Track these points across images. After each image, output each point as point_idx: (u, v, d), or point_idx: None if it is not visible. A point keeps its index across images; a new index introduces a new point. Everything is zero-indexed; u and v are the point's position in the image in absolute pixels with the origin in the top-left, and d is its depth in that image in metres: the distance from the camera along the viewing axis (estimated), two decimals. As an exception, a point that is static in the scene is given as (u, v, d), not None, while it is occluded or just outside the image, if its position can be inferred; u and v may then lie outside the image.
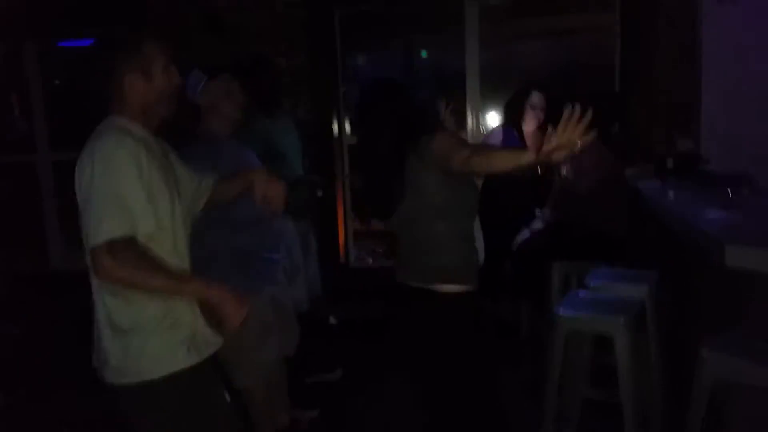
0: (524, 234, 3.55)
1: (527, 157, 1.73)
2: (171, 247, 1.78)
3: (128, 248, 1.62)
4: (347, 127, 5.07)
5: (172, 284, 1.72)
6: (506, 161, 1.82)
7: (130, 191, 1.65)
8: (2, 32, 5.20)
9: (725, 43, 4.05)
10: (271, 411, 2.83)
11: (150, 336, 1.74)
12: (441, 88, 3.60)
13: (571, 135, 1.62)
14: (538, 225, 3.54)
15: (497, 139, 3.88)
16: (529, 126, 3.87)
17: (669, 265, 3.01)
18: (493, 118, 5.16)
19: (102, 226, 1.60)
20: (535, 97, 3.85)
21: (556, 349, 2.49)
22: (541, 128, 3.86)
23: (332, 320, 4.24)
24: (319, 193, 3.59)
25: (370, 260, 5.42)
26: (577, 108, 1.61)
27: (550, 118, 3.83)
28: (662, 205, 3.06)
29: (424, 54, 6.98)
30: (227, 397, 1.95)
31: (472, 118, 4.92)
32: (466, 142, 2.16)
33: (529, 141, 3.87)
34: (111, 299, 1.72)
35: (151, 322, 1.74)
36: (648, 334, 2.68)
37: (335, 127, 4.98)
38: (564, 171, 3.33)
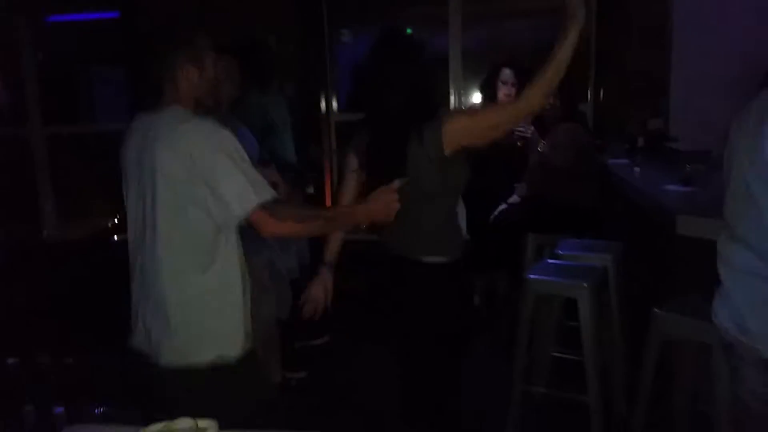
0: (501, 207, 3.76)
1: (573, 33, 1.85)
2: None
3: (280, 206, 1.81)
4: (334, 104, 5.23)
5: (329, 224, 1.95)
6: (563, 59, 1.87)
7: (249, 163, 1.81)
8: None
9: (695, 24, 4.22)
10: (264, 367, 3.05)
11: (212, 319, 1.84)
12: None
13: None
14: (514, 199, 3.76)
15: None
16: (501, 101, 4.03)
17: (634, 236, 3.25)
18: (476, 98, 5.31)
19: (251, 194, 1.75)
20: (506, 73, 3.98)
21: (526, 310, 2.72)
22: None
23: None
24: (310, 190, 3.78)
25: (356, 233, 5.61)
26: None
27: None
28: (628, 180, 3.29)
29: (409, 31, 7.09)
30: None
31: (455, 98, 5.10)
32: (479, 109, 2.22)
33: None
34: (175, 283, 1.82)
35: (211, 304, 1.84)
36: (610, 299, 2.92)
37: (323, 105, 5.15)
38: (540, 146, 3.53)
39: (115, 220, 6.03)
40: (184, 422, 1.45)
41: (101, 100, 6.06)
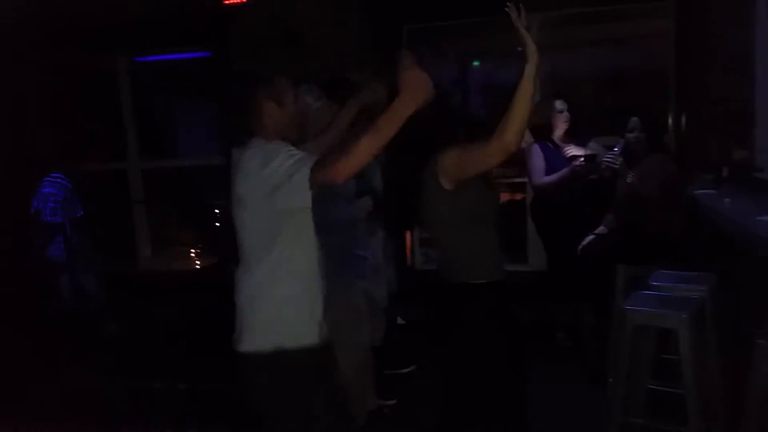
0: (589, 238, 3.80)
1: (529, 67, 1.97)
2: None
3: (322, 159, 1.99)
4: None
5: (379, 134, 1.93)
6: (525, 96, 1.97)
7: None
8: (96, 46, 5.67)
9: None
10: (361, 393, 3.16)
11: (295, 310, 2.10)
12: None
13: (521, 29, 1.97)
14: (602, 230, 3.80)
15: (539, 156, 4.08)
16: (560, 130, 4.09)
17: (725, 266, 3.23)
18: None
19: (306, 167, 1.97)
20: (558, 103, 4.07)
21: (625, 341, 2.75)
22: (569, 134, 4.11)
23: (400, 320, 4.53)
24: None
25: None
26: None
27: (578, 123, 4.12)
28: (718, 210, 3.29)
29: (476, 63, 7.21)
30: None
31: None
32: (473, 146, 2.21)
33: (563, 145, 4.08)
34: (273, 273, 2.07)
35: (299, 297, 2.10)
36: (708, 330, 2.92)
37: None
38: (628, 177, 3.57)
39: (197, 249, 6.33)
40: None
41: (192, 135, 6.40)
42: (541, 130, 4.14)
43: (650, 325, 2.85)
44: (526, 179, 5.26)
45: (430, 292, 2.39)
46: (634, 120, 3.69)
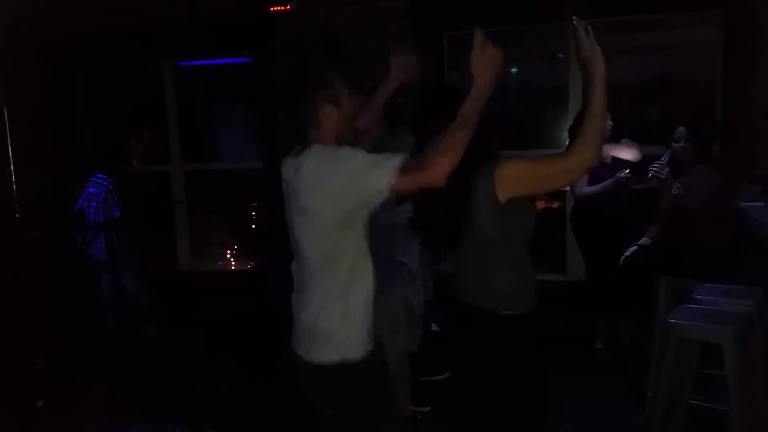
0: (632, 249, 3.75)
1: (598, 78, 1.82)
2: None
3: (414, 161, 1.87)
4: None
5: (465, 126, 1.81)
6: (597, 109, 1.83)
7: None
8: (144, 52, 5.81)
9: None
10: (399, 399, 3.16)
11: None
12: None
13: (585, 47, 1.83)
14: (645, 241, 3.73)
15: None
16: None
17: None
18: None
19: (387, 170, 1.87)
20: None
21: (668, 355, 2.70)
22: (612, 140, 4.00)
23: (434, 327, 4.51)
24: None
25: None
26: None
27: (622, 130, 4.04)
28: (765, 223, 3.21)
29: (514, 70, 7.19)
30: None
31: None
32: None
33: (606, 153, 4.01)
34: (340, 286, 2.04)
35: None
36: (754, 345, 2.84)
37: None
38: (674, 188, 3.50)
39: (233, 251, 6.41)
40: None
41: (232, 139, 6.51)
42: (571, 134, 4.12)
43: (694, 339, 2.79)
44: (565, 188, 5.23)
45: (462, 319, 2.16)
46: (681, 130, 3.63)
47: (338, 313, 2.03)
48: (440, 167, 1.81)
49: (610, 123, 3.99)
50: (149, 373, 4.31)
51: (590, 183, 3.98)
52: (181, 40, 5.67)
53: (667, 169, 3.60)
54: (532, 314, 2.10)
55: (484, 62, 1.83)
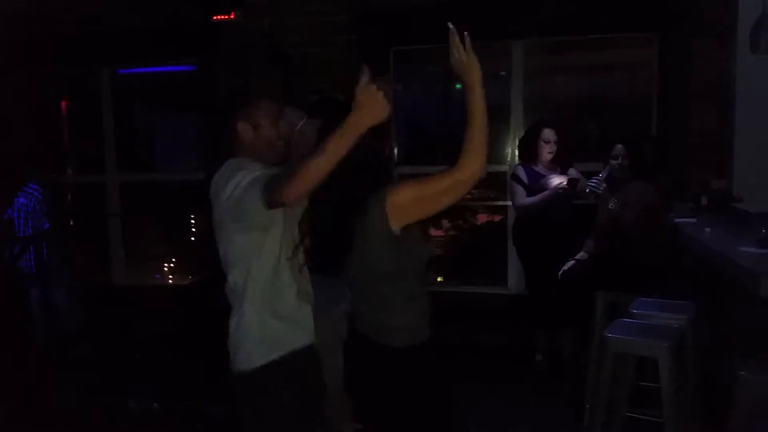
0: (570, 263, 3.82)
1: (477, 86, 1.80)
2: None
3: (277, 178, 1.85)
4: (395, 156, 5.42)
5: (327, 154, 1.74)
6: (478, 118, 1.81)
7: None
8: (80, 58, 5.61)
9: (758, 89, 4.29)
10: (338, 415, 3.11)
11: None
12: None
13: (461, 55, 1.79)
14: (582, 255, 3.81)
15: (523, 179, 4.18)
16: (545, 159, 4.19)
17: (705, 294, 3.26)
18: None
19: (258, 186, 1.88)
20: (547, 133, 4.15)
21: (605, 369, 2.75)
22: (555, 160, 4.21)
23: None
24: None
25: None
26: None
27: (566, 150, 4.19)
28: (699, 240, 3.31)
29: (458, 86, 7.30)
30: None
31: (516, 150, 5.22)
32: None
33: (547, 172, 4.18)
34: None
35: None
36: (687, 359, 2.93)
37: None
38: (611, 204, 3.59)
39: (171, 264, 6.25)
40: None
41: (173, 149, 6.35)
42: (527, 154, 4.24)
43: (630, 353, 2.85)
44: (507, 202, 5.31)
45: (358, 351, 2.07)
46: (619, 147, 3.74)
47: (237, 323, 2.11)
48: (291, 190, 1.79)
49: (554, 144, 4.12)
50: (80, 392, 4.13)
51: (529, 195, 4.07)
52: (121, 46, 5.51)
53: (604, 185, 3.69)
54: (427, 344, 2.03)
55: (366, 100, 1.74)
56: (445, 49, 1.87)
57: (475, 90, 1.81)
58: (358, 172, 1.89)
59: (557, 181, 4.02)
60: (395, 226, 1.86)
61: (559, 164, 4.19)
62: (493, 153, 5.53)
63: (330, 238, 1.98)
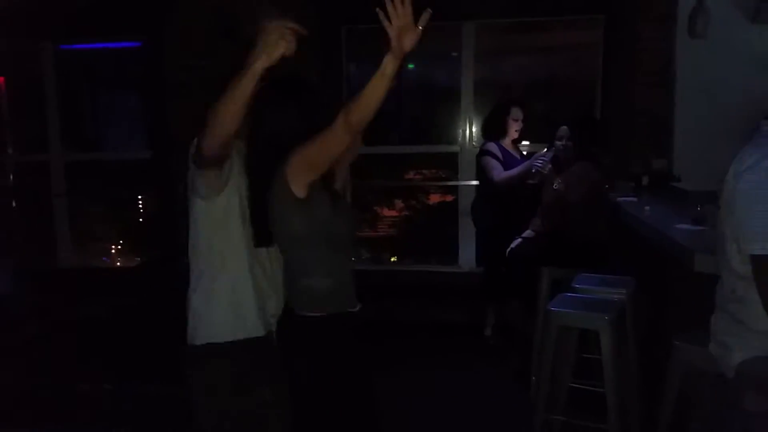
0: (517, 241, 3.92)
1: (391, 66, 1.73)
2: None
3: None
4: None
5: (231, 93, 1.74)
6: (377, 87, 1.76)
7: None
8: (19, 32, 5.40)
9: (698, 72, 4.46)
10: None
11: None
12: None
13: (403, 17, 1.69)
14: (529, 233, 3.92)
15: (498, 154, 4.29)
16: (511, 137, 4.34)
17: (644, 270, 3.39)
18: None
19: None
20: (516, 111, 4.30)
21: (549, 341, 2.85)
22: (519, 139, 4.40)
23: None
24: None
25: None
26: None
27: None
28: (639, 217, 3.45)
29: (411, 66, 7.32)
30: None
31: (467, 131, 5.30)
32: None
33: (512, 150, 4.35)
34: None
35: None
36: (627, 331, 3.05)
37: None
38: (555, 183, 3.70)
39: (118, 246, 6.13)
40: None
41: (118, 128, 6.20)
42: (494, 131, 4.37)
43: (573, 326, 2.95)
44: (458, 182, 5.39)
45: (283, 325, 2.14)
46: (564, 128, 3.83)
47: (196, 297, 2.11)
48: (205, 141, 1.83)
49: (521, 122, 4.23)
50: (28, 375, 4.05)
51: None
52: (63, 20, 5.33)
53: (549, 166, 3.79)
54: (342, 317, 2.07)
55: (268, 33, 1.72)
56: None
57: (397, 59, 1.75)
58: (268, 146, 2.00)
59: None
60: (296, 188, 1.94)
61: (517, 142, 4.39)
62: (444, 133, 5.61)
63: (255, 209, 2.04)
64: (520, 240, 3.92)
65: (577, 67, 5.65)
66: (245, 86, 1.73)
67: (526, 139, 4.50)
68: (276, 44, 1.71)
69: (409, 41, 1.72)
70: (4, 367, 4.11)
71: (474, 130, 5.32)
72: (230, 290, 2.06)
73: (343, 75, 5.32)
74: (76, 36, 5.70)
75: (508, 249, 3.93)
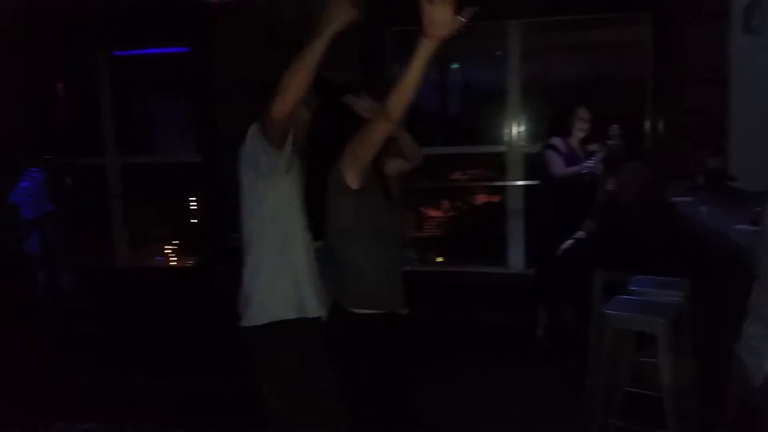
0: (569, 242, 3.89)
1: (425, 50, 1.78)
2: None
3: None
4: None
5: (304, 56, 1.90)
6: (412, 72, 1.82)
7: None
8: (76, 40, 5.59)
9: (752, 69, 4.34)
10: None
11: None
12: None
13: (442, 11, 1.70)
14: (581, 234, 3.88)
15: (561, 148, 4.28)
16: (577, 137, 4.31)
17: (700, 271, 3.32)
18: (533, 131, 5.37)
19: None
20: (582, 112, 4.28)
21: (604, 345, 2.82)
22: (585, 140, 4.34)
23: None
24: None
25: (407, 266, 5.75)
26: None
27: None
28: (695, 218, 3.38)
29: (455, 66, 7.29)
30: None
31: (514, 131, 5.26)
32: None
33: (577, 150, 4.30)
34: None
35: None
36: (684, 334, 3.00)
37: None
38: (608, 184, 3.66)
39: (172, 246, 6.28)
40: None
41: (169, 132, 6.35)
42: (560, 129, 4.36)
43: (629, 329, 2.91)
44: (506, 182, 5.36)
45: (330, 321, 2.21)
46: (615, 127, 3.78)
47: (258, 278, 2.21)
48: (278, 105, 1.94)
49: (588, 124, 4.25)
50: (86, 371, 4.18)
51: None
52: (114, 27, 5.49)
53: (601, 166, 3.75)
54: (388, 317, 2.11)
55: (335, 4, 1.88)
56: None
57: (431, 43, 1.77)
58: (322, 148, 2.17)
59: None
60: (350, 178, 2.02)
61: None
62: (490, 133, 5.57)
63: (310, 204, 2.22)
64: (572, 241, 3.89)
65: (626, 65, 5.55)
66: (316, 51, 1.89)
67: (594, 141, 4.42)
68: (345, 10, 1.88)
69: (443, 27, 1.72)
70: (65, 363, 4.27)
71: (521, 129, 5.27)
72: (293, 272, 2.19)
73: (385, 76, 5.33)
74: (128, 43, 5.85)
75: (560, 249, 3.90)
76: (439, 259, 5.86)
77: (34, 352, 4.38)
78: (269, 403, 2.24)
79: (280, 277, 2.19)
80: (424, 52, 1.79)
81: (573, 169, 4.18)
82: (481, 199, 6.17)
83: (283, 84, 1.92)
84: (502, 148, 5.36)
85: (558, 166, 4.22)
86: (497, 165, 5.47)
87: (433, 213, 6.14)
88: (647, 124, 4.87)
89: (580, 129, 4.29)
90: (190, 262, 5.87)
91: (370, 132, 1.97)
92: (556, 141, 4.32)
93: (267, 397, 2.24)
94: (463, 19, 1.72)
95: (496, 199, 5.83)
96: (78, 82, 6.08)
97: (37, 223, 4.87)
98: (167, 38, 5.68)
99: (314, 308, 2.23)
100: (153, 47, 6.00)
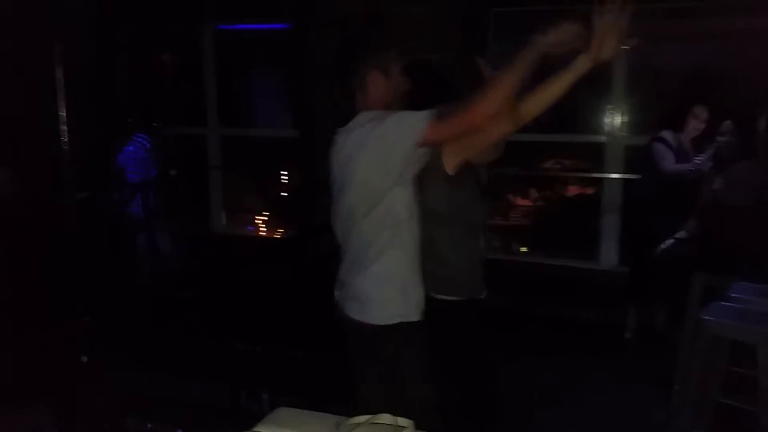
0: (669, 242, 3.72)
1: (583, 67, 1.76)
2: None
3: (450, 109, 1.88)
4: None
5: (509, 74, 1.80)
6: (559, 84, 1.81)
7: None
8: (184, 13, 5.82)
9: None
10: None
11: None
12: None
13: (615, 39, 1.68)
14: (682, 234, 3.70)
15: (672, 142, 4.09)
16: (690, 134, 4.06)
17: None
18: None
19: (411, 118, 1.94)
20: (699, 109, 4.03)
21: (698, 352, 2.68)
22: (698, 138, 4.08)
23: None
24: None
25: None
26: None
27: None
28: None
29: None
30: None
31: (617, 120, 5.05)
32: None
33: (688, 147, 4.07)
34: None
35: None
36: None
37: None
38: (715, 183, 3.45)
39: (265, 217, 6.48)
40: (386, 418, 1.52)
41: (268, 106, 6.52)
42: (673, 122, 4.15)
43: (727, 337, 2.76)
44: (602, 174, 5.16)
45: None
46: (727, 123, 3.56)
47: (380, 274, 2.02)
48: (480, 107, 1.80)
49: (703, 124, 4.05)
50: (188, 332, 4.35)
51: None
52: (223, 2, 5.67)
53: (710, 164, 3.54)
54: (470, 303, 2.12)
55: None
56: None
57: (590, 65, 1.78)
58: None
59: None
60: (447, 165, 2.03)
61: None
62: (589, 122, 5.37)
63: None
64: (672, 241, 3.71)
65: (739, 56, 5.18)
66: (519, 70, 1.77)
67: (709, 143, 4.06)
68: (613, 47, 1.77)
69: (610, 52, 1.74)
70: (167, 325, 4.46)
71: (624, 119, 5.04)
72: (402, 274, 2.05)
73: (486, 57, 5.22)
74: (233, 17, 6.02)
75: (660, 250, 3.74)
76: (523, 249, 5.74)
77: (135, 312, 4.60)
78: (362, 392, 2.16)
79: (413, 278, 2.06)
80: (580, 69, 1.79)
81: (686, 166, 3.94)
82: (573, 190, 5.98)
83: (493, 85, 1.82)
84: (601, 138, 5.16)
85: (669, 161, 3.99)
86: (594, 156, 5.27)
87: (520, 201, 6.01)
88: (763, 122, 4.55)
89: (694, 128, 4.03)
90: (278, 234, 6.04)
91: (492, 128, 1.89)
92: (666, 133, 4.09)
93: (365, 390, 2.16)
94: (626, 48, 1.75)
95: (589, 191, 5.64)
96: (186, 55, 6.34)
97: (140, 186, 5.12)
98: (270, 14, 5.80)
99: (418, 312, 2.11)
100: (256, 23, 6.16)
